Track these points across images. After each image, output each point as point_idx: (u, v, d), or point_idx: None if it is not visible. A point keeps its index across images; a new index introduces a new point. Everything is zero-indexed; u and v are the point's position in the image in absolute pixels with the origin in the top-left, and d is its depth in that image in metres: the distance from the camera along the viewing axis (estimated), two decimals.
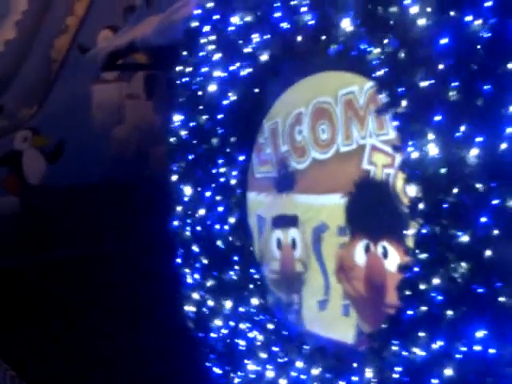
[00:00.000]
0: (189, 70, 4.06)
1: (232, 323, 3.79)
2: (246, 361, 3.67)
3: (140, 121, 9.25)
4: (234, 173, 3.89)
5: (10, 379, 4.55)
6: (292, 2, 3.27)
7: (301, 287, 3.56)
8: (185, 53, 4.08)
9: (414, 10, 2.57)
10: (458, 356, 2.45)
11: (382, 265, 2.98)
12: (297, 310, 3.57)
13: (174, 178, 4.18)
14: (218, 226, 3.89)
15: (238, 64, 3.71)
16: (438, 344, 2.51)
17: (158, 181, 5.04)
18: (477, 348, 2.39)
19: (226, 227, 3.86)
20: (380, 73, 2.77)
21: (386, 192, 2.92)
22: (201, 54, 3.94)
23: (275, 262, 3.74)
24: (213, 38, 3.88)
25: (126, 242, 7.77)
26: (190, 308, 4.10)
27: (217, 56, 3.84)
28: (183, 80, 4.10)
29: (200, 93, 3.97)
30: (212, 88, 3.88)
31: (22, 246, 8.13)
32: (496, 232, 2.32)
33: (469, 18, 2.39)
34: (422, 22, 2.55)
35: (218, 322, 3.88)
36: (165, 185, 4.26)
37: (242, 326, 3.73)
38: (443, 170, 2.47)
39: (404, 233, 2.76)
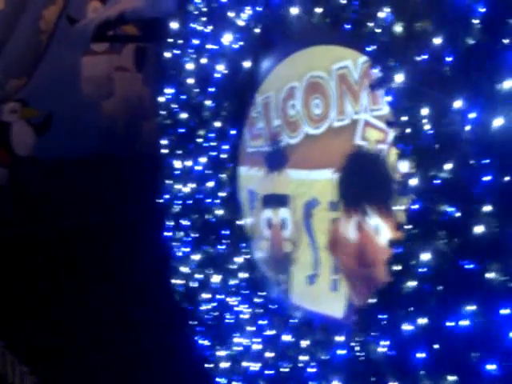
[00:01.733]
0: (179, 42, 4.01)
1: (220, 296, 3.80)
2: (233, 334, 3.69)
3: (130, 94, 9.16)
4: (226, 147, 3.87)
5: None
6: None
7: (290, 267, 3.56)
8: (175, 25, 4.03)
9: None
10: (444, 331, 2.47)
11: (373, 242, 2.99)
12: (285, 287, 3.58)
13: (165, 151, 4.16)
14: (208, 200, 3.88)
15: (229, 37, 3.67)
16: (425, 318, 2.53)
17: (148, 154, 5.00)
18: (464, 323, 2.41)
19: (217, 201, 3.85)
20: (374, 47, 2.75)
21: (378, 166, 2.92)
22: (192, 26, 3.90)
23: (264, 242, 3.74)
24: (204, 9, 3.83)
25: (115, 215, 7.74)
26: (178, 281, 4.11)
27: (208, 28, 3.79)
28: (174, 52, 4.06)
29: (191, 66, 3.93)
30: (203, 61, 3.84)
31: (10, 218, 8.09)
32: (487, 208, 2.32)
33: None
34: None
35: (206, 295, 3.89)
36: (155, 158, 4.23)
37: (229, 299, 3.74)
38: (436, 146, 2.46)
39: (395, 208, 2.77)
